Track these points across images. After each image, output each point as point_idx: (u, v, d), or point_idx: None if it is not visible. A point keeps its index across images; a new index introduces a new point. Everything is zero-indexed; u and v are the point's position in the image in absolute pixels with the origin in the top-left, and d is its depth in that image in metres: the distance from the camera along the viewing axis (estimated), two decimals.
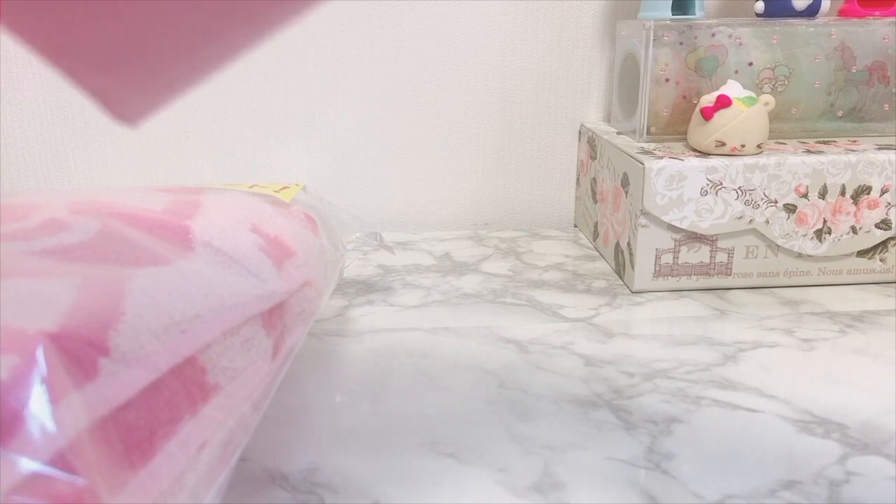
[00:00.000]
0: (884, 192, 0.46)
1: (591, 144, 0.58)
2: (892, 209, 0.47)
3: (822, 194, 0.46)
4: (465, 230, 0.62)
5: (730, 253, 0.47)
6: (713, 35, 0.50)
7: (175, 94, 0.16)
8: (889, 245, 0.48)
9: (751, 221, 0.46)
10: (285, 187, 0.40)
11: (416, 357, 0.39)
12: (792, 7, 0.50)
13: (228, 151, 0.60)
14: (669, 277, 0.47)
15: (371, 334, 0.42)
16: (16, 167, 0.60)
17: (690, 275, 0.47)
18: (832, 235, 0.47)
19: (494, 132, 0.62)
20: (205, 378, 0.23)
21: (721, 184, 0.45)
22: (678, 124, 0.50)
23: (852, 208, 0.46)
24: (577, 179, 0.63)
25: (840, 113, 0.51)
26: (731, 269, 0.47)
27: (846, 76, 0.50)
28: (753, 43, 0.50)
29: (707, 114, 0.46)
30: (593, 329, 0.42)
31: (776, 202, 0.46)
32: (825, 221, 0.47)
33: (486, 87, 0.60)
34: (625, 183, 0.48)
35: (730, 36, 0.50)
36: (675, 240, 0.46)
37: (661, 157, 0.46)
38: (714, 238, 0.46)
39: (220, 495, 0.23)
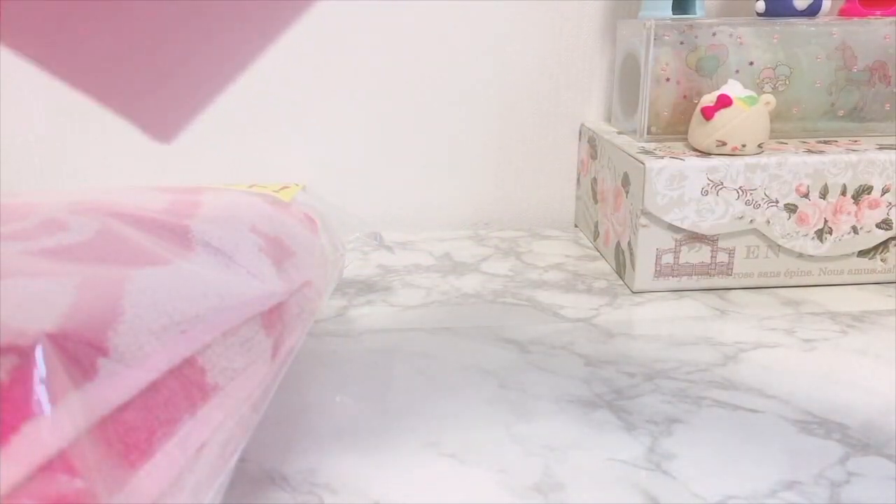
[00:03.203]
0: (885, 191, 0.46)
1: (591, 144, 0.58)
2: (893, 209, 0.47)
3: (823, 194, 0.46)
4: (465, 230, 0.62)
5: (730, 253, 0.47)
6: (714, 34, 0.50)
7: (201, 105, 0.16)
8: (890, 245, 0.48)
9: (751, 221, 0.46)
10: (285, 187, 0.40)
11: (416, 357, 0.39)
12: (793, 6, 0.50)
13: (228, 151, 0.60)
14: (670, 277, 0.47)
15: (371, 334, 0.42)
16: (16, 167, 0.60)
17: (691, 275, 0.47)
18: (833, 235, 0.47)
19: (494, 132, 0.61)
20: (204, 378, 0.23)
21: (722, 184, 0.45)
22: (679, 124, 0.50)
23: (853, 208, 0.46)
24: (578, 179, 0.63)
25: (841, 112, 0.51)
26: (731, 269, 0.47)
27: (847, 76, 0.50)
28: (754, 42, 0.50)
29: (708, 113, 0.46)
30: (594, 329, 0.42)
31: (777, 202, 0.46)
32: (826, 221, 0.47)
33: (487, 87, 0.60)
34: (625, 183, 0.48)
35: (730, 35, 0.50)
36: (676, 240, 0.46)
37: (662, 157, 0.46)
38: (715, 238, 0.46)
39: (220, 495, 0.23)
